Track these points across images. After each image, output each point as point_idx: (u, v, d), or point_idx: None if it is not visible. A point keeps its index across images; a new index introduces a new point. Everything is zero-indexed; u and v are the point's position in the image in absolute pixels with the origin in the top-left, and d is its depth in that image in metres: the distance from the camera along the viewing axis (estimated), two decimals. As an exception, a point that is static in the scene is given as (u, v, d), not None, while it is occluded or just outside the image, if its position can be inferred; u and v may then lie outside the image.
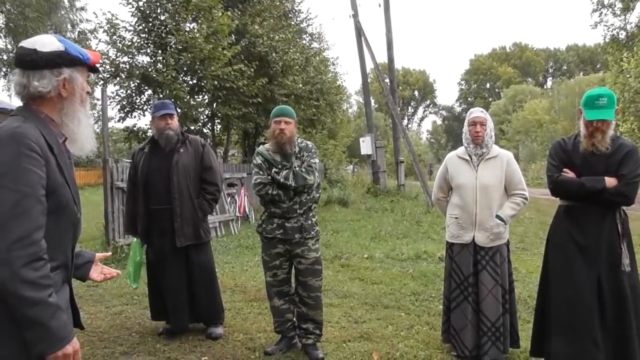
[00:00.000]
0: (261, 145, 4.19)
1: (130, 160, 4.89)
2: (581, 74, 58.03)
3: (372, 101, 24.12)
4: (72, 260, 1.84)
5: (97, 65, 1.89)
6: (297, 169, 3.89)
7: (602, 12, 20.73)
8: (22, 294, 1.50)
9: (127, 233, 4.58)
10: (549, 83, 69.28)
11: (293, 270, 4.09)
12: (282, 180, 3.84)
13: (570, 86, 41.65)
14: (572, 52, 71.32)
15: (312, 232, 3.97)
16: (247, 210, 12.06)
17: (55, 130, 1.74)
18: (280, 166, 3.92)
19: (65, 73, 1.73)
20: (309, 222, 3.96)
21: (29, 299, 1.51)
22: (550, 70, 74.43)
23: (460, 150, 4.01)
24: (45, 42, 1.74)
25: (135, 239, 4.59)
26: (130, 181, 4.65)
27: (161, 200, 4.38)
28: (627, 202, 3.32)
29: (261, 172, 3.95)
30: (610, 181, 3.27)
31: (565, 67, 70.54)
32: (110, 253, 2.18)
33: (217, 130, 15.69)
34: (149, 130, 12.64)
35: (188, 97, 11.96)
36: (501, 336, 3.74)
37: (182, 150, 4.46)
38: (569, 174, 3.41)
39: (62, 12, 22.79)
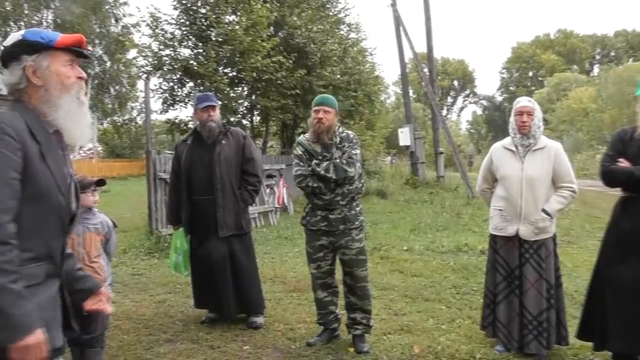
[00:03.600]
0: (302, 135, 4.16)
1: (172, 152, 4.98)
2: (630, 60, 55.72)
3: (411, 91, 23.80)
4: (63, 254, 1.77)
5: (75, 47, 1.73)
6: (338, 160, 3.83)
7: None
8: None
9: (169, 223, 4.67)
10: (596, 70, 66.87)
11: (337, 262, 4.07)
12: (322, 172, 3.79)
13: (619, 73, 39.98)
14: (621, 37, 68.58)
15: (356, 222, 3.92)
16: (285, 201, 12.12)
17: (44, 120, 1.68)
18: (320, 157, 3.87)
19: (26, 60, 1.66)
20: (353, 212, 3.91)
21: None
22: (597, 57, 71.69)
23: (507, 140, 3.90)
24: (11, 36, 1.72)
25: (179, 229, 4.67)
26: (174, 173, 4.72)
27: (204, 191, 4.44)
28: None
29: (301, 164, 3.92)
30: None
31: (614, 54, 67.87)
32: (110, 311, 2.03)
33: (256, 122, 15.81)
34: (190, 122, 12.85)
35: (228, 89, 12.08)
36: (544, 331, 3.64)
37: (224, 142, 4.51)
38: (623, 163, 3.34)
39: (106, 7, 23.34)
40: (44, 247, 1.65)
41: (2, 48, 1.71)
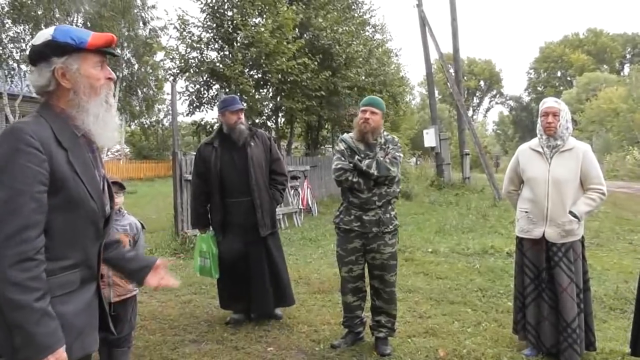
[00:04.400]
0: (346, 134, 4.20)
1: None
2: (663, 59, 54.26)
3: (436, 92, 23.61)
4: (99, 259, 1.76)
5: (106, 47, 1.68)
6: (382, 159, 3.84)
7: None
8: (7, 296, 1.43)
9: (195, 227, 4.71)
10: (627, 70, 65.30)
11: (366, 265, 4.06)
12: (364, 167, 3.80)
13: (650, 72, 39.02)
14: (654, 36, 66.84)
15: (390, 227, 3.91)
16: (310, 203, 12.14)
17: (72, 124, 1.64)
18: (363, 155, 3.89)
19: (56, 63, 1.60)
20: (387, 215, 3.90)
21: (13, 301, 1.43)
22: (628, 56, 69.91)
23: (534, 142, 3.84)
24: (40, 35, 1.65)
25: (208, 232, 4.68)
26: (198, 176, 4.72)
27: (238, 193, 4.54)
28: None
29: (343, 158, 3.93)
30: None
31: (646, 53, 66.24)
32: (173, 260, 2.10)
33: (280, 124, 15.89)
34: (217, 124, 12.97)
35: (253, 91, 12.17)
36: (578, 338, 3.57)
37: (252, 143, 4.62)
38: None
39: (135, 11, 23.70)
40: (80, 253, 1.64)
41: (32, 46, 1.65)
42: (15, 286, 1.43)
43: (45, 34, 1.63)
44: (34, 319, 1.45)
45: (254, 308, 4.64)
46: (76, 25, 21.26)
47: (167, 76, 13.43)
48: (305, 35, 14.02)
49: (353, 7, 17.60)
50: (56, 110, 1.64)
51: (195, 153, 5.07)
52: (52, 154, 1.53)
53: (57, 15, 20.21)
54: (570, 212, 3.59)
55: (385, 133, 4.06)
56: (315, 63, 13.01)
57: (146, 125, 34.77)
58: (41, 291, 1.47)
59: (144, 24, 24.85)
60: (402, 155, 4.01)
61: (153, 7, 24.87)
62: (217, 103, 4.87)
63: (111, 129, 1.71)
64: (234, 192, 4.55)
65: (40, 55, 1.62)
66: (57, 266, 1.56)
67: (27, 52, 1.69)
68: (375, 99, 4.10)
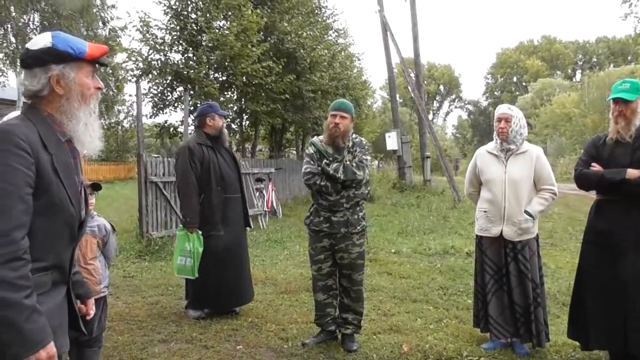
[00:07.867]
0: (315, 137, 4.32)
1: (157, 155, 5.20)
2: (612, 66, 56.53)
3: (397, 96, 23.96)
4: (72, 262, 1.79)
5: (101, 58, 1.79)
6: (348, 163, 3.96)
7: (632, 3, 20.22)
8: None
9: (192, 225, 4.64)
10: (578, 76, 67.82)
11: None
12: (331, 172, 3.92)
13: (601, 78, 40.50)
14: (602, 44, 69.56)
15: (358, 227, 4.02)
16: (274, 205, 12.21)
17: (57, 129, 1.70)
18: (331, 158, 4.00)
19: (54, 70, 1.67)
20: (355, 216, 4.02)
21: (5, 299, 1.47)
22: (580, 63, 72.65)
23: (490, 145, 4.07)
24: (37, 40, 1.71)
25: (197, 232, 4.66)
26: (195, 175, 4.71)
27: (233, 190, 4.92)
28: None
29: (312, 162, 4.04)
30: (632, 172, 3.33)
31: (595, 60, 68.87)
32: (92, 311, 2.09)
33: (245, 126, 15.90)
34: (180, 127, 12.89)
35: (218, 93, 12.17)
36: (531, 323, 3.81)
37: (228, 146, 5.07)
38: (595, 167, 3.52)
39: (94, 10, 23.18)
40: (54, 256, 1.67)
41: (28, 50, 1.70)
42: (5, 284, 1.47)
43: (43, 40, 1.69)
44: (24, 315, 1.49)
45: (242, 299, 4.91)
46: (33, 23, 20.70)
47: (129, 77, 13.25)
48: (269, 38, 14.09)
49: (317, 11, 17.77)
50: (43, 114, 1.69)
51: (156, 156, 5.20)
52: (39, 157, 1.58)
53: (13, 14, 19.60)
54: (526, 212, 3.82)
55: (354, 136, 4.16)
56: (280, 66, 13.11)
57: (105, 127, 33.99)
58: (30, 289, 1.52)
59: (104, 23, 24.31)
60: (369, 158, 4.12)
61: (113, 6, 24.40)
62: (202, 107, 5.01)
63: (96, 137, 1.79)
64: (230, 189, 4.86)
65: (37, 61, 1.67)
66: (32, 267, 1.58)
67: (20, 55, 1.73)
68: (344, 102, 4.20)
